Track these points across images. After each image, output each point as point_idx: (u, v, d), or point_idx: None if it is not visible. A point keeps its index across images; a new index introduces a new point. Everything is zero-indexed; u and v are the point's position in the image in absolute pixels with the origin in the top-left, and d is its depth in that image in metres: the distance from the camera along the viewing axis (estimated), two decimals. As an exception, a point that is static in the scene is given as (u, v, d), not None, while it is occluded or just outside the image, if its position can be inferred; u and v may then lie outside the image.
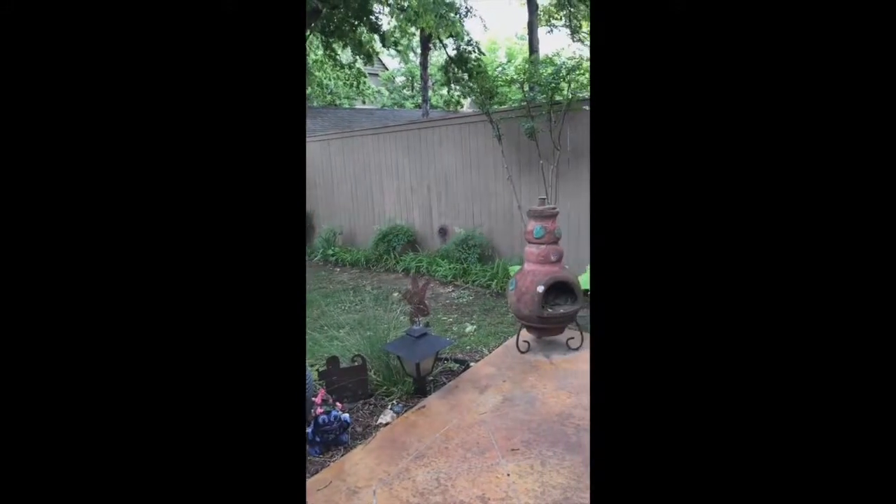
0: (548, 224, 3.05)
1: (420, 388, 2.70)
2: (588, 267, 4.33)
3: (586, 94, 4.40)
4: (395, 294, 4.52)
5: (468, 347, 3.36)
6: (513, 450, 2.14)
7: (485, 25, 19.61)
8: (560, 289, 3.13)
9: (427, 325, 3.02)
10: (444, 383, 2.82)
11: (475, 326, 3.75)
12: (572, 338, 3.20)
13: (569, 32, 12.03)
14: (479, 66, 4.57)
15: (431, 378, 2.84)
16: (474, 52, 6.50)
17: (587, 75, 4.45)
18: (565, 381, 2.76)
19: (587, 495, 1.83)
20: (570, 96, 4.28)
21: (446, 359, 3.12)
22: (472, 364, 3.06)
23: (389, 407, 2.59)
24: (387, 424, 2.43)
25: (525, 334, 3.28)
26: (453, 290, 4.77)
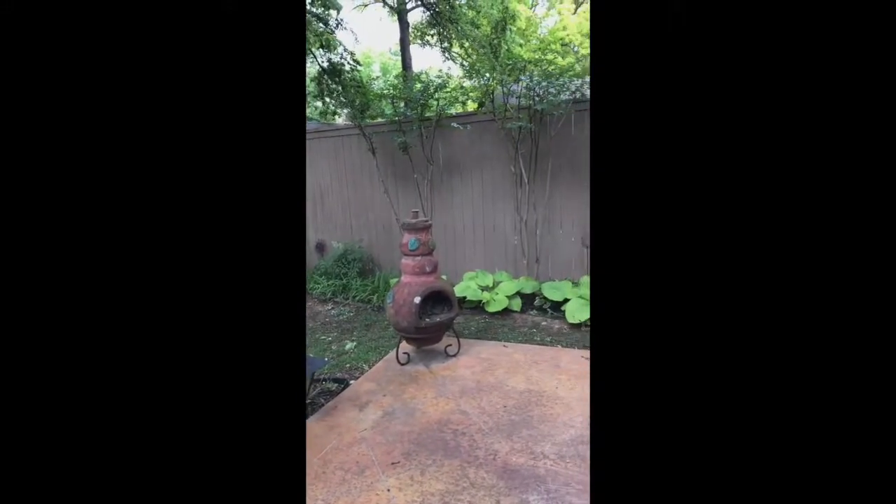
0: (422, 236, 3.13)
1: (296, 413, 2.56)
2: (465, 275, 4.53)
3: (454, 110, 4.63)
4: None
5: (348, 365, 3.29)
6: (393, 463, 2.14)
7: (356, 38, 19.56)
8: (436, 298, 3.22)
9: (302, 345, 2.88)
10: (323, 405, 2.72)
11: (355, 343, 3.68)
12: (450, 345, 3.31)
13: (440, 51, 12.54)
14: (354, 78, 4.55)
15: (309, 401, 2.72)
16: (347, 64, 6.43)
17: (455, 92, 4.69)
18: (444, 388, 2.84)
19: (465, 497, 1.90)
20: (438, 113, 4.46)
21: (324, 379, 3.02)
22: (351, 382, 3.00)
23: (262, 438, 2.41)
24: (259, 457, 2.26)
25: (405, 346, 3.31)
26: (333, 308, 4.64)
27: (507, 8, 10.21)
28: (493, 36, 10.07)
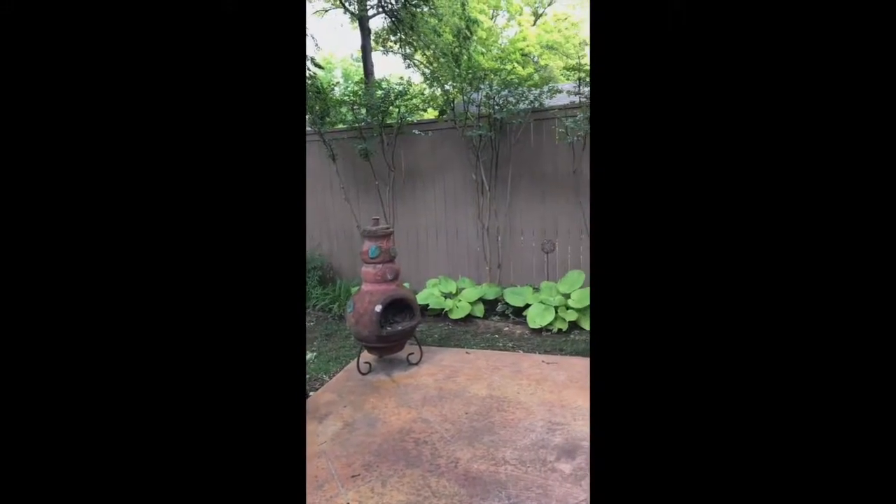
0: (383, 243, 3.10)
1: (252, 428, 2.48)
2: (428, 282, 4.52)
3: (416, 118, 4.63)
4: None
5: (308, 377, 3.21)
6: (353, 476, 2.10)
7: (317, 45, 19.35)
8: (398, 306, 3.20)
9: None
10: (281, 418, 2.63)
11: (315, 353, 3.60)
12: (412, 353, 3.29)
13: (402, 57, 12.57)
14: (314, 84, 4.48)
15: (266, 415, 2.63)
16: (308, 69, 6.33)
17: (416, 100, 4.70)
18: (406, 396, 2.81)
19: (425, 507, 1.88)
20: (399, 120, 4.45)
21: (283, 391, 2.93)
22: (311, 394, 2.93)
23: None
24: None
25: (366, 355, 3.26)
26: (293, 317, 4.52)
27: (468, 17, 10.36)
28: (456, 44, 10.17)
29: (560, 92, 4.14)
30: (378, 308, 3.01)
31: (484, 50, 12.04)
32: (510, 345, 3.59)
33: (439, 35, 10.02)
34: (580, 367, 3.11)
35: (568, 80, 4.95)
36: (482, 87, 4.14)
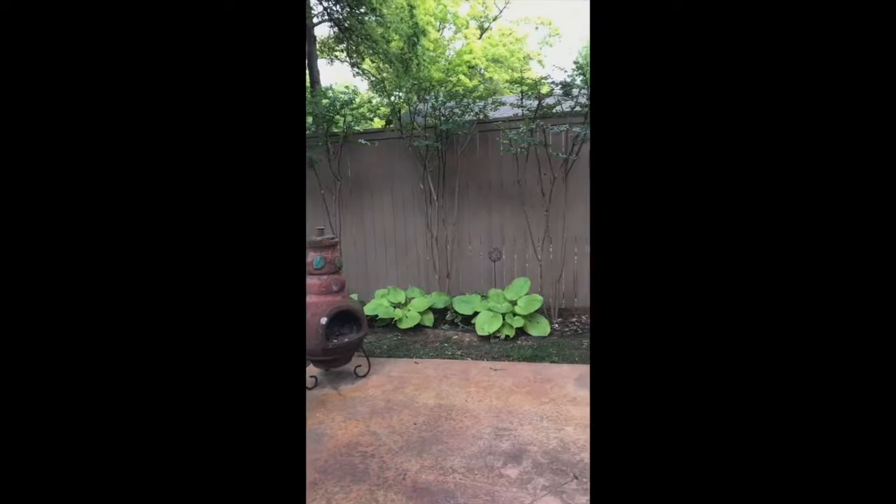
0: (328, 254, 3.05)
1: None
2: (377, 293, 4.47)
3: (362, 127, 4.61)
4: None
5: (250, 393, 3.08)
6: (297, 496, 2.03)
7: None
8: (344, 318, 3.14)
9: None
10: (220, 439, 2.51)
11: (259, 368, 3.47)
12: (359, 365, 3.24)
13: (350, 65, 12.47)
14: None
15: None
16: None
17: (363, 109, 4.67)
18: (354, 409, 2.76)
19: (373, 522, 1.84)
20: (346, 129, 4.41)
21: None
22: (253, 411, 2.81)
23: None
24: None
25: (312, 369, 3.18)
26: (235, 332, 4.33)
27: (416, 23, 10.45)
28: (405, 51, 10.22)
29: (503, 104, 4.26)
30: (323, 320, 2.95)
31: (431, 61, 12.18)
32: (459, 353, 3.62)
33: (388, 42, 10.04)
34: (526, 372, 3.18)
35: (511, 92, 5.10)
36: (428, 98, 4.18)
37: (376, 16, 9.83)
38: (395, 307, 4.26)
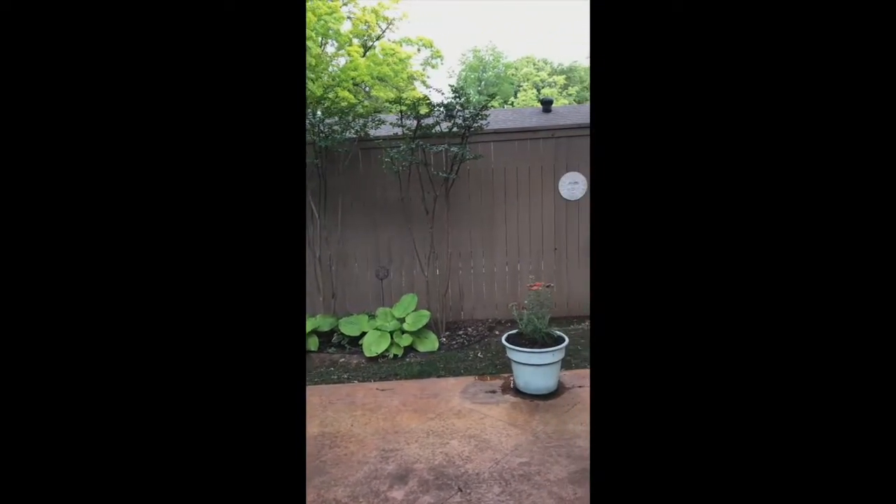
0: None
1: None
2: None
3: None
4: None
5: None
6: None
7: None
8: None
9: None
10: None
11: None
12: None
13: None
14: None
15: None
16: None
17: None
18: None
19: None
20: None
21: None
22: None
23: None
24: None
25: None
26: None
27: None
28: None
29: (384, 123, 4.30)
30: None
31: (313, 76, 11.90)
32: (346, 376, 3.50)
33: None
34: (414, 390, 3.18)
35: (392, 112, 5.16)
36: (306, 114, 4.06)
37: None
38: (276, 333, 4.01)
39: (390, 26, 16.00)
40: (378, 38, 15.69)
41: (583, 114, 7.61)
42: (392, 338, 3.88)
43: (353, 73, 13.12)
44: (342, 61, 14.27)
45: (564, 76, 24.01)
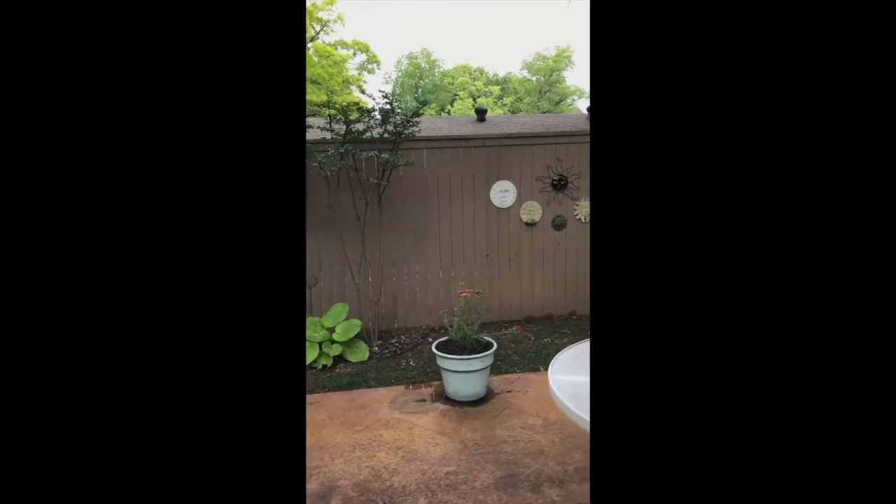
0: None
1: None
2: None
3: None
4: None
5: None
6: None
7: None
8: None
9: None
10: None
11: None
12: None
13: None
14: None
15: None
16: None
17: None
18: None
19: None
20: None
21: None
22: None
23: None
24: None
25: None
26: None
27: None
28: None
29: (311, 127, 4.17)
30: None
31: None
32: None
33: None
34: (342, 402, 3.08)
35: (321, 115, 5.03)
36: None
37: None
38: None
39: (325, 28, 15.69)
40: (312, 39, 15.31)
41: (515, 124, 7.83)
42: (321, 348, 3.75)
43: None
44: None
45: (500, 87, 24.70)
